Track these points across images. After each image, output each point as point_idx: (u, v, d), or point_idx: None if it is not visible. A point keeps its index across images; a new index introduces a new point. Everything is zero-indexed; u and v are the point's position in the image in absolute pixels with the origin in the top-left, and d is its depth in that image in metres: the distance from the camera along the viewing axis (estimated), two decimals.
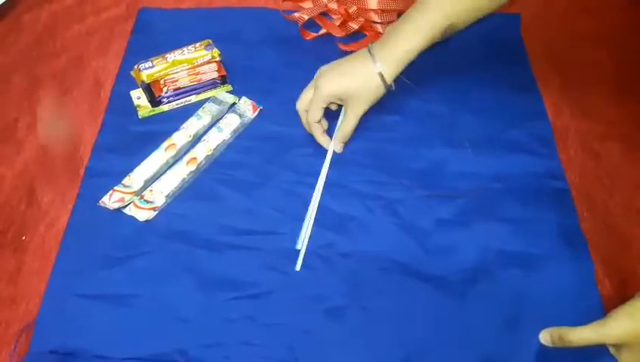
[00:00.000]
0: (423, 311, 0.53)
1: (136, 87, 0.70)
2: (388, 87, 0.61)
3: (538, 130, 0.66)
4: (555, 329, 0.49)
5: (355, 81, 0.60)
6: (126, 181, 0.61)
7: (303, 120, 0.65)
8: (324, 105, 0.62)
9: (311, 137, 0.66)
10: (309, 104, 0.62)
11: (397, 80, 0.61)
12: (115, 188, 0.60)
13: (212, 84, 0.70)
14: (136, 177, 0.61)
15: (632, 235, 0.58)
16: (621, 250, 0.57)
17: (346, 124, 0.62)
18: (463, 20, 0.60)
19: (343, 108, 0.64)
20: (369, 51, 0.60)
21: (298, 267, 0.55)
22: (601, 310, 0.52)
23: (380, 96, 0.61)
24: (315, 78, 0.63)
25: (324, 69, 0.63)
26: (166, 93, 0.68)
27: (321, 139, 0.64)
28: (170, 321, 0.52)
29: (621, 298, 0.52)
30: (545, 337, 0.49)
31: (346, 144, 0.64)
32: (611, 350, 0.48)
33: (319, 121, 0.63)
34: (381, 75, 0.59)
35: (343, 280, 0.55)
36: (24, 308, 0.53)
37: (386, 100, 0.69)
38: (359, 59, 0.61)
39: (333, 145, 0.63)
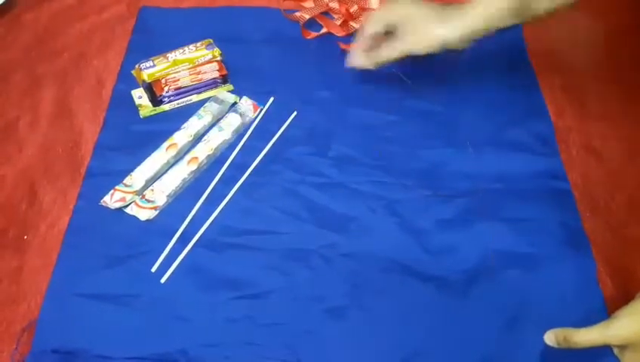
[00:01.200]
0: (424, 311, 0.53)
1: (137, 86, 0.70)
2: (445, 49, 0.59)
3: (539, 130, 0.66)
4: (560, 330, 0.49)
5: (421, 24, 0.59)
6: (127, 180, 0.61)
7: (359, 34, 0.64)
8: (386, 23, 0.61)
9: (312, 136, 0.66)
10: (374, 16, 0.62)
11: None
12: (117, 187, 0.60)
13: (213, 84, 0.70)
14: (137, 177, 0.61)
15: (634, 235, 0.58)
16: (623, 250, 0.57)
17: (388, 49, 0.61)
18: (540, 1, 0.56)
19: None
20: (448, 6, 0.59)
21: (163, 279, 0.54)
22: (604, 310, 0.52)
23: (432, 52, 0.59)
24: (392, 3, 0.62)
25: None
26: (167, 92, 0.68)
27: (360, 51, 0.63)
28: (171, 321, 0.52)
29: (623, 297, 0.52)
30: (549, 338, 0.49)
31: (372, 66, 0.63)
32: (615, 350, 0.48)
33: (369, 38, 0.62)
34: (444, 35, 0.58)
35: (344, 280, 0.55)
36: (26, 308, 0.53)
37: (387, 100, 0.69)
38: (437, 8, 0.59)
39: (362, 57, 0.63)
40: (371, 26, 0.62)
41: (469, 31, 0.58)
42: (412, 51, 0.60)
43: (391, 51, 0.61)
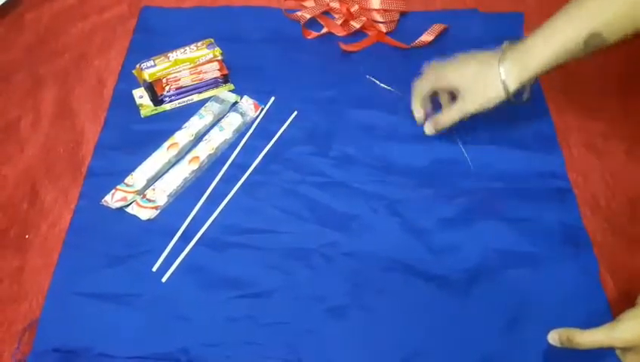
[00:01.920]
0: (426, 310, 0.53)
1: (138, 85, 0.70)
2: (509, 98, 0.56)
3: (541, 129, 0.66)
4: (564, 330, 0.48)
5: (477, 79, 0.56)
6: (128, 180, 0.61)
7: (413, 96, 0.63)
8: (435, 86, 0.60)
9: (313, 136, 0.66)
10: (421, 79, 0.61)
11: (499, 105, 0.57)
12: (118, 187, 0.60)
13: (214, 83, 0.70)
14: (138, 176, 0.61)
15: (635, 234, 0.58)
16: (624, 249, 0.57)
17: (448, 114, 0.60)
18: (613, 30, 0.50)
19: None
20: (502, 50, 0.56)
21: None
22: (606, 309, 0.52)
23: (497, 104, 0.56)
24: (446, 60, 0.60)
25: (460, 56, 0.59)
26: (168, 92, 0.68)
27: (418, 113, 0.63)
28: (173, 320, 0.52)
29: (625, 297, 0.52)
30: (553, 337, 0.49)
31: (437, 132, 0.63)
32: (617, 351, 0.48)
33: (423, 97, 0.62)
34: (504, 83, 0.55)
35: (345, 279, 0.55)
36: (27, 307, 0.54)
37: (388, 100, 0.69)
38: (488, 59, 0.56)
39: (426, 125, 0.63)
40: (420, 94, 0.62)
41: (531, 75, 0.54)
42: (474, 111, 0.58)
43: (452, 115, 0.60)
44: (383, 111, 0.68)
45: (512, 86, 0.55)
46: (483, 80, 0.56)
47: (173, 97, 0.69)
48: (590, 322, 0.47)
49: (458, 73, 0.58)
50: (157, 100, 0.68)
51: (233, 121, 0.66)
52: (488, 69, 0.56)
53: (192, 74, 0.69)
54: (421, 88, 0.62)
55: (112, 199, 0.59)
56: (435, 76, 0.61)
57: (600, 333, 0.46)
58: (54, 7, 0.81)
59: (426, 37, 0.75)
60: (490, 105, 0.57)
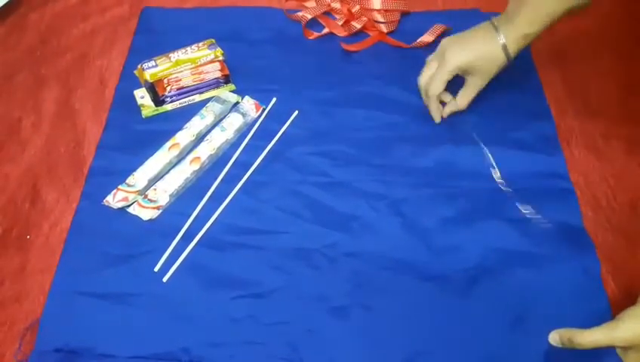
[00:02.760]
0: (427, 310, 0.53)
1: (139, 86, 0.70)
2: (510, 61, 0.61)
3: (542, 130, 0.66)
4: (565, 330, 0.48)
5: (480, 54, 0.61)
6: (130, 180, 0.61)
7: (423, 94, 0.65)
8: (449, 78, 0.62)
9: (314, 136, 0.66)
10: (431, 78, 0.63)
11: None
12: (119, 187, 0.60)
13: (215, 84, 0.70)
14: (140, 176, 0.61)
15: (636, 234, 0.58)
16: (626, 250, 0.57)
17: (467, 95, 0.64)
18: None
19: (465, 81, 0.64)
20: (493, 24, 0.61)
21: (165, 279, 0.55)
22: (608, 309, 0.52)
23: (502, 69, 0.62)
24: (437, 51, 0.64)
25: (446, 42, 0.63)
26: (169, 92, 0.68)
27: (435, 113, 0.65)
28: (174, 320, 0.52)
29: (626, 296, 0.52)
30: (554, 338, 0.49)
31: (459, 114, 0.66)
32: (618, 350, 0.48)
33: (439, 94, 0.64)
34: (504, 48, 0.60)
35: (346, 279, 0.55)
36: (29, 307, 0.54)
37: (390, 100, 0.69)
38: (483, 33, 0.61)
39: (447, 109, 0.66)
40: (436, 92, 0.63)
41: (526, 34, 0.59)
42: (486, 83, 0.63)
43: (469, 94, 0.64)
44: (384, 112, 0.68)
45: (513, 51, 0.60)
46: (487, 55, 0.61)
47: (174, 98, 0.69)
48: (591, 322, 0.47)
49: (464, 57, 0.61)
50: (158, 101, 0.68)
51: (234, 122, 0.66)
52: (489, 43, 0.60)
53: (193, 74, 0.69)
54: (435, 86, 0.63)
55: (114, 199, 0.59)
56: (443, 69, 0.62)
57: (600, 333, 0.46)
58: (56, 7, 0.82)
59: (427, 37, 0.75)
60: (497, 73, 0.62)
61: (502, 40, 0.59)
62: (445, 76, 0.62)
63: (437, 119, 0.66)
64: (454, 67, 0.61)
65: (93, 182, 0.62)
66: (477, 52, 0.61)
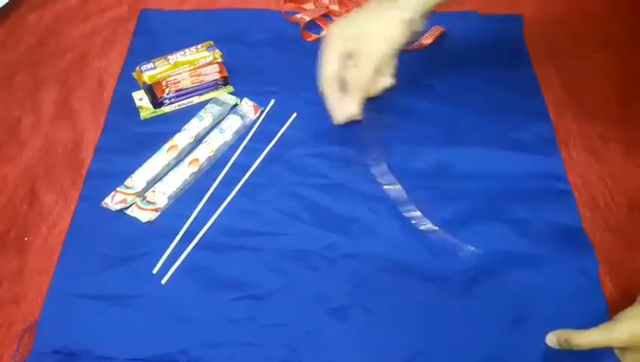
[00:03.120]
0: (426, 311, 0.53)
1: (138, 88, 0.70)
2: (413, 32, 0.55)
3: (540, 131, 0.66)
4: (562, 332, 0.48)
5: (371, 21, 0.54)
6: (128, 182, 0.61)
7: (320, 83, 0.59)
8: (337, 52, 0.56)
9: (312, 138, 0.66)
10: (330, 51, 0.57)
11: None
12: (118, 189, 0.60)
13: (214, 86, 0.70)
14: (138, 178, 0.61)
15: (634, 236, 0.58)
16: (623, 251, 0.57)
17: (360, 72, 0.56)
18: None
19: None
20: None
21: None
22: (605, 310, 0.52)
23: (403, 42, 0.55)
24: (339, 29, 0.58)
25: (339, 23, 0.57)
26: (168, 94, 0.68)
27: (334, 102, 0.57)
28: (173, 322, 0.52)
29: (624, 298, 0.52)
30: (551, 340, 0.49)
31: (368, 103, 0.59)
32: (616, 351, 0.48)
33: (333, 78, 0.56)
34: (402, 21, 0.54)
35: (345, 280, 0.55)
36: (26, 309, 0.53)
37: (390, 100, 0.69)
38: (377, 3, 0.55)
39: (349, 107, 0.57)
40: (330, 64, 0.57)
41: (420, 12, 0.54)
42: (382, 56, 0.55)
43: (364, 74, 0.56)
44: (383, 112, 0.68)
45: (414, 18, 0.55)
46: (379, 23, 0.55)
47: (172, 99, 0.69)
48: (589, 322, 0.47)
49: (350, 25, 0.56)
50: (157, 102, 0.68)
51: (233, 124, 0.66)
52: (382, 12, 0.55)
53: (191, 76, 0.69)
54: (325, 66, 0.57)
55: (112, 201, 0.59)
56: (331, 42, 0.56)
57: (597, 334, 0.46)
58: (55, 8, 0.81)
59: (425, 40, 0.75)
60: (397, 46, 0.56)
61: (400, 5, 0.54)
62: (331, 51, 0.57)
63: (339, 116, 0.59)
64: (338, 36, 0.56)
65: (91, 183, 0.62)
66: (366, 20, 0.55)
